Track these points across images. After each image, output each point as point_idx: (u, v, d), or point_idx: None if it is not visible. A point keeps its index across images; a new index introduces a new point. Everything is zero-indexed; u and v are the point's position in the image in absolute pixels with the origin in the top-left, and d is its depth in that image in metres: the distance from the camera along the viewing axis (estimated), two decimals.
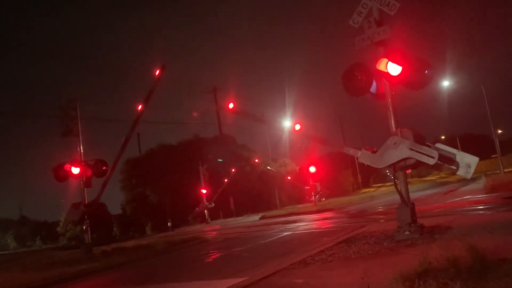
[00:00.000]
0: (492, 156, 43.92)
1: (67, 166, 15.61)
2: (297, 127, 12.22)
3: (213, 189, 40.33)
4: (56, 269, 12.56)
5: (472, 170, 8.00)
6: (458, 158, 8.08)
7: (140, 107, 15.87)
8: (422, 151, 8.23)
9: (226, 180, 41.18)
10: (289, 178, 44.77)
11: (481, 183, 25.75)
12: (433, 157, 8.06)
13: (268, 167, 47.19)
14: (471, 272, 4.59)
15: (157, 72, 15.39)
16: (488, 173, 38.88)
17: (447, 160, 8.24)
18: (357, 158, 9.44)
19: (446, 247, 5.36)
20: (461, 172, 8.10)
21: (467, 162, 8.00)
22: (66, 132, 16.07)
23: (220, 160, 43.01)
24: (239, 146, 51.50)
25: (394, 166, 8.70)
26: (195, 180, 39.29)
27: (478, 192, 19.58)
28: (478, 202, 14.85)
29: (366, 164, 9.27)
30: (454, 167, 8.25)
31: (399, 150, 8.46)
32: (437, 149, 8.26)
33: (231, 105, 11.98)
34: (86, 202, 15.88)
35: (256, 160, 46.16)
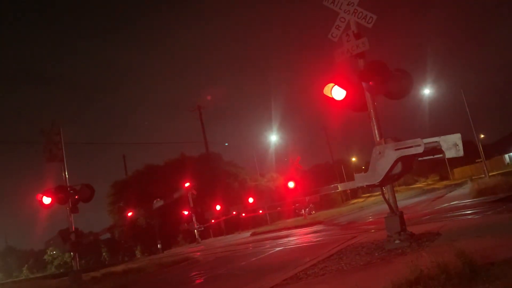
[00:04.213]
0: (477, 160, 44.45)
1: (52, 192, 15.30)
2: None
3: (203, 208, 39.84)
4: None
5: (461, 146, 7.88)
6: (442, 143, 8.04)
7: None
8: (407, 145, 8.29)
9: (224, 217, 40.02)
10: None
11: (467, 188, 26.07)
12: (419, 145, 8.05)
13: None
14: (461, 277, 4.63)
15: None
16: (473, 177, 39.38)
17: (433, 151, 8.24)
18: (351, 188, 9.33)
19: (436, 253, 5.40)
20: (451, 154, 7.98)
21: (452, 142, 7.94)
22: (50, 157, 15.77)
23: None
24: (226, 162, 51.32)
25: (384, 180, 8.66)
26: (183, 199, 38.90)
27: (465, 197, 19.79)
28: (465, 207, 15.00)
29: (364, 186, 9.17)
30: (441, 155, 8.20)
31: (387, 156, 8.48)
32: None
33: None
34: (74, 229, 15.56)
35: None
